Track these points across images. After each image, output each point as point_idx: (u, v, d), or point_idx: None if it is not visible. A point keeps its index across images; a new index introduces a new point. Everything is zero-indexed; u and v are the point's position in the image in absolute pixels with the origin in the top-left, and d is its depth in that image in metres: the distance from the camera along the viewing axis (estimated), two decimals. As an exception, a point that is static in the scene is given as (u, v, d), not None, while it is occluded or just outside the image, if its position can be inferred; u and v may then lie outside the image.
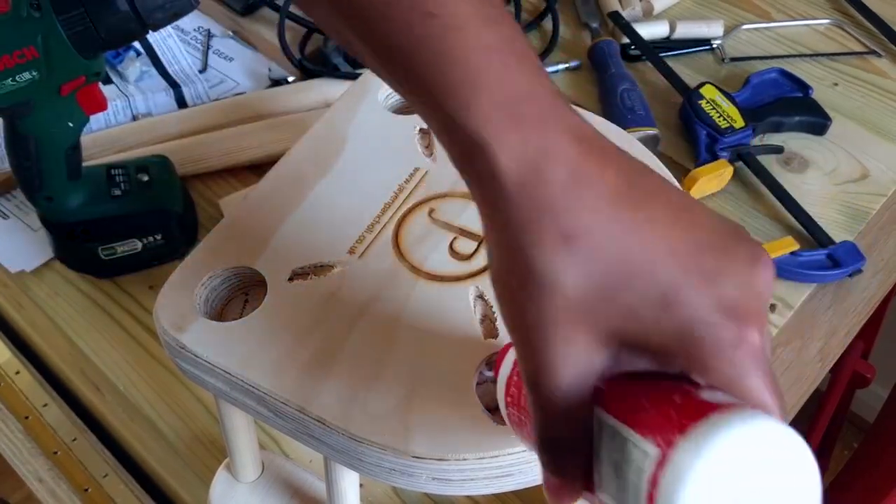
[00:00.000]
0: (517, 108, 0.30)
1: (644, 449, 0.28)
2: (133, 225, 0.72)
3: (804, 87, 0.85)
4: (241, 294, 0.53)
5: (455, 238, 0.52)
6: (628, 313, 0.29)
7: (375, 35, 0.32)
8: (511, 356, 0.39)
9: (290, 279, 0.51)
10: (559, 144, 0.30)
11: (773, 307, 0.71)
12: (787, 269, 0.72)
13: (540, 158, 0.29)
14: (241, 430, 0.55)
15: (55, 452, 0.67)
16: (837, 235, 0.75)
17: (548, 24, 0.95)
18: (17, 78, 0.61)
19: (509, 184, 0.30)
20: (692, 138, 0.81)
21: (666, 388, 0.30)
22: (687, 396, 0.29)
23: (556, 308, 0.29)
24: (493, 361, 0.46)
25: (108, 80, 0.89)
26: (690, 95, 0.82)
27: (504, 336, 0.47)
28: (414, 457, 0.43)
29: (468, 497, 0.63)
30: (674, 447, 0.27)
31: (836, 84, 0.88)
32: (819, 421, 1.19)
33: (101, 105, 0.66)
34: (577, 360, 0.30)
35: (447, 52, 0.30)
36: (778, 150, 0.81)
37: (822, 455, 1.29)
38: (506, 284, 0.31)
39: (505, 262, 0.31)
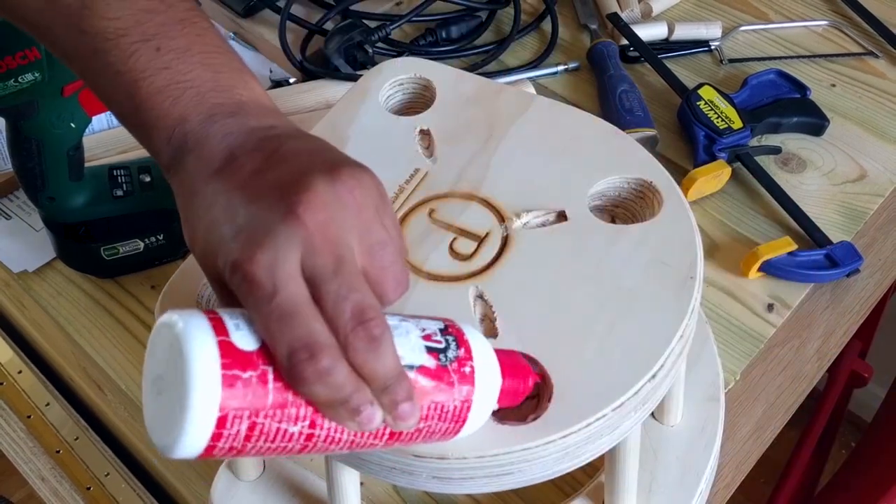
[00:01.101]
0: (173, 138, 0.42)
1: None
2: (135, 225, 0.72)
3: (802, 88, 0.86)
4: (242, 294, 0.53)
5: (455, 238, 0.53)
6: (210, 255, 0.38)
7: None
8: None
9: (292, 279, 0.51)
10: (192, 153, 0.41)
11: (770, 307, 0.72)
12: (784, 269, 0.72)
13: (177, 160, 0.42)
14: (243, 429, 0.55)
15: (57, 451, 0.67)
16: (835, 235, 0.75)
17: (547, 25, 0.96)
18: (19, 79, 0.61)
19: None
20: (690, 139, 0.82)
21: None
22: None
23: (194, 256, 0.41)
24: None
25: (109, 81, 0.89)
26: (689, 96, 0.82)
27: (503, 336, 0.48)
28: (414, 455, 0.43)
29: (469, 495, 0.63)
30: None
31: (833, 85, 0.89)
32: (817, 420, 1.20)
33: (103, 106, 0.67)
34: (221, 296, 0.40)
35: (134, 101, 0.43)
36: (776, 150, 0.82)
37: (820, 454, 1.29)
38: None
39: None
